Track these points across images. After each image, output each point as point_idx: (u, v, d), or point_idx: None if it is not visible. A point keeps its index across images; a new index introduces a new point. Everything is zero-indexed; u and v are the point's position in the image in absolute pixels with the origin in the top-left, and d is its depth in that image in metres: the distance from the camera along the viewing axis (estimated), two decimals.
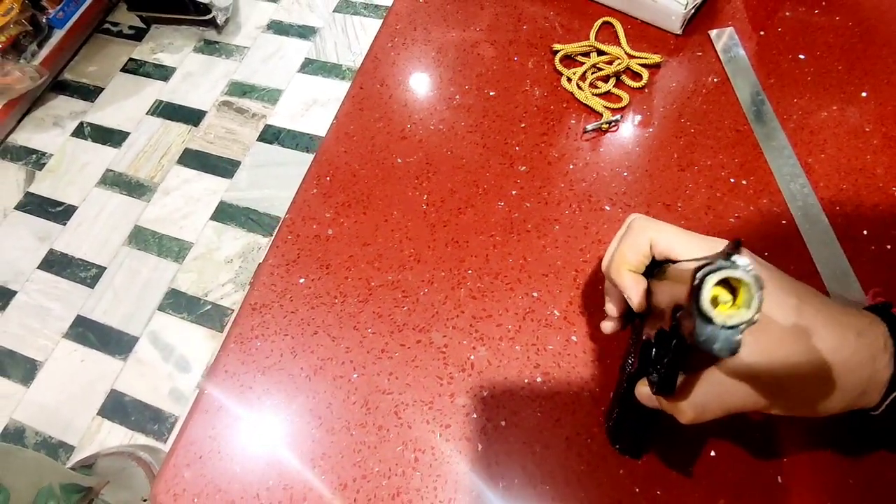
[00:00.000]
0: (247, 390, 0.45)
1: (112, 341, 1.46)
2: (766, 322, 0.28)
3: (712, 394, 0.30)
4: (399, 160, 0.53)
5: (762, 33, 0.56)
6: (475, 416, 0.42)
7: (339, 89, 1.79)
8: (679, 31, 0.56)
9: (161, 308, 1.50)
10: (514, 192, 0.51)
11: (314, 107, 1.77)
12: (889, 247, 0.45)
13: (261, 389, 0.45)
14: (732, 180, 0.49)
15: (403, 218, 0.51)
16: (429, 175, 0.52)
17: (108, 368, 1.42)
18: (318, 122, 1.74)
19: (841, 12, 0.56)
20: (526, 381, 0.43)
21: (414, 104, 0.56)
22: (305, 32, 1.92)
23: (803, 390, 0.29)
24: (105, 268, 1.57)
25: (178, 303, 1.50)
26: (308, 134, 1.72)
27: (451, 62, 0.58)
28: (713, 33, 0.57)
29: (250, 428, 0.44)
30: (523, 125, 0.54)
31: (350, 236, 0.50)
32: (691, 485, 0.39)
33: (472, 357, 0.44)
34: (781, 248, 0.46)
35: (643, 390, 0.33)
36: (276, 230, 0.51)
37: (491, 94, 0.56)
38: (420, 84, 0.58)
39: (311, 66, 1.85)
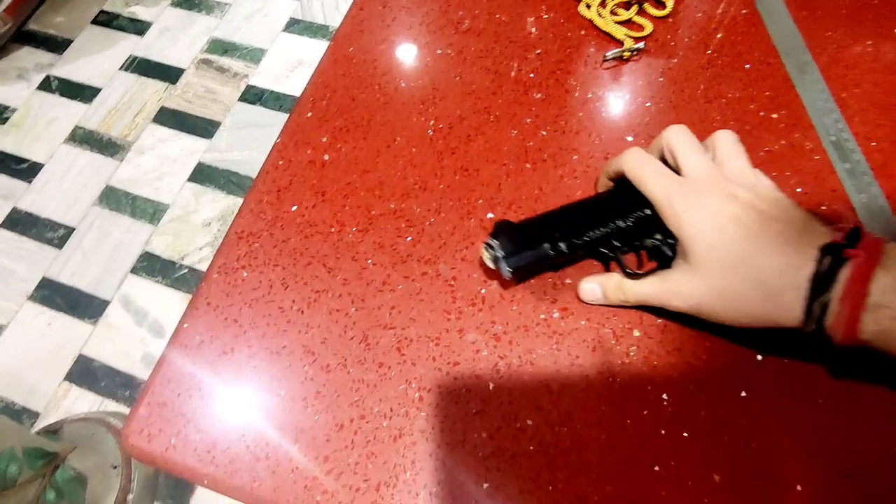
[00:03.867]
0: (231, 324, 0.40)
1: (81, 304, 1.39)
2: (708, 257, 0.33)
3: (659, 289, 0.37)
4: (403, 84, 0.49)
5: None
6: (486, 353, 0.38)
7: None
8: None
9: (134, 271, 1.43)
10: (528, 120, 0.47)
11: (299, 68, 1.69)
12: None
13: (247, 323, 0.40)
14: (762, 114, 0.46)
15: (407, 144, 0.46)
16: (435, 101, 0.48)
17: (77, 332, 1.35)
18: (304, 84, 1.67)
19: None
20: (542, 316, 0.39)
21: (419, 27, 0.52)
22: None
23: (720, 313, 0.34)
24: (74, 228, 1.49)
25: (152, 266, 1.43)
26: (292, 96, 1.65)
27: None
28: None
29: (235, 364, 0.39)
30: (538, 52, 0.50)
31: (348, 162, 0.46)
32: (720, 429, 0.36)
33: (483, 291, 0.40)
34: (814, 182, 0.43)
35: (586, 286, 0.39)
36: (266, 157, 0.46)
37: (503, 18, 0.51)
38: (427, 7, 0.53)
39: (296, 26, 1.77)
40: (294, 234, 0.43)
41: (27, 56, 1.78)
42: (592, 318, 0.39)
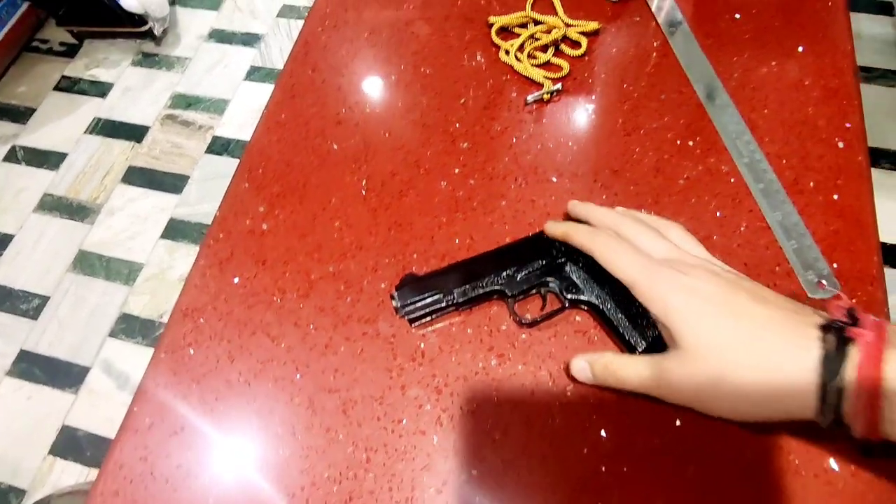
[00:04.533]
0: (180, 402, 0.41)
1: (60, 374, 1.37)
2: (701, 342, 0.31)
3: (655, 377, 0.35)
4: (335, 146, 0.50)
5: None
6: (429, 407, 0.39)
7: None
8: None
9: (113, 334, 1.42)
10: (457, 170, 0.48)
11: None
12: (836, 196, 0.44)
13: (196, 400, 0.41)
14: (679, 142, 0.48)
15: (342, 205, 0.47)
16: (367, 159, 0.49)
17: (58, 403, 1.34)
18: None
19: None
20: (480, 365, 0.40)
21: (348, 87, 0.54)
22: (249, 40, 1.86)
23: (722, 403, 0.33)
24: (48, 297, 1.48)
25: (130, 327, 1.42)
26: None
27: (385, 42, 0.56)
28: None
29: (185, 444, 0.40)
30: (463, 101, 0.52)
31: (286, 229, 0.47)
32: (658, 457, 0.37)
33: (422, 345, 0.41)
34: (731, 205, 0.45)
35: (577, 364, 0.39)
36: (207, 230, 0.47)
37: (428, 71, 0.54)
38: (353, 66, 0.55)
39: (257, 74, 1.80)
40: (237, 306, 0.44)
41: None
42: (528, 361, 0.40)
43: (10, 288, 1.50)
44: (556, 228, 0.41)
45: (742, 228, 0.44)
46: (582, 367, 0.38)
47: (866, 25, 1.71)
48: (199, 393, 0.41)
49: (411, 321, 0.41)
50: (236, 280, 0.45)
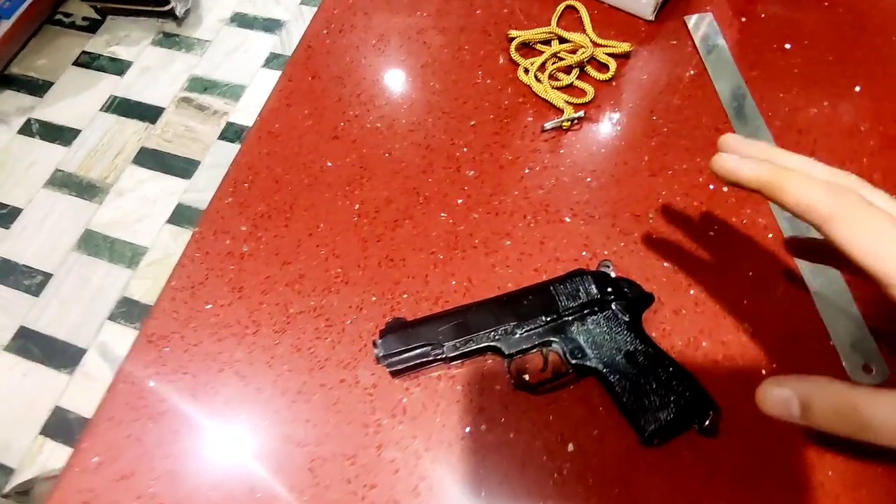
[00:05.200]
0: (134, 442, 0.37)
1: (57, 354, 1.36)
2: None
3: None
4: (329, 164, 0.46)
5: (744, 20, 0.50)
6: (406, 473, 0.35)
7: None
8: (651, 17, 0.50)
9: (112, 318, 1.40)
10: (459, 202, 0.44)
11: None
12: None
13: (151, 441, 0.37)
14: (712, 187, 0.43)
15: (331, 232, 0.43)
16: (362, 181, 0.45)
17: (53, 383, 1.32)
18: None
19: None
20: (468, 429, 0.36)
21: (349, 99, 0.49)
22: (271, 26, 1.83)
23: None
24: (52, 275, 1.47)
25: (130, 312, 1.40)
26: None
27: (393, 51, 0.51)
28: (689, 20, 0.50)
29: (134, 491, 0.36)
30: (472, 123, 0.47)
31: (268, 253, 0.43)
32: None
33: (404, 400, 0.37)
34: (767, 265, 0.39)
35: (775, 392, 0.26)
36: (184, 247, 0.44)
37: (437, 87, 0.49)
38: (357, 76, 0.50)
39: (276, 61, 1.76)
40: (207, 337, 0.40)
41: (8, 99, 1.77)
42: (522, 429, 0.36)
43: (14, 262, 1.49)
44: (749, 167, 0.27)
45: (778, 293, 0.38)
46: (782, 399, 0.26)
47: None
48: (155, 433, 0.37)
49: (394, 374, 0.37)
50: (209, 307, 0.41)
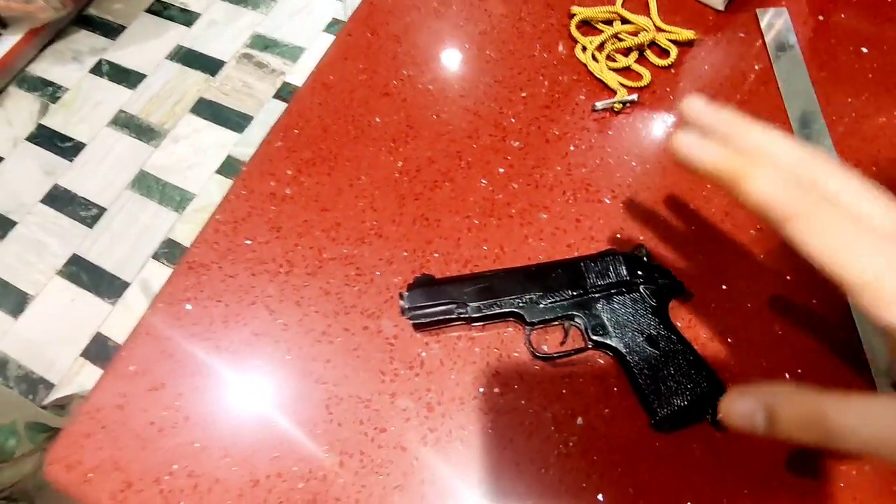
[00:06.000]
0: (167, 358, 0.39)
1: (104, 284, 1.44)
2: None
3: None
4: (377, 119, 0.47)
5: (821, 18, 0.48)
6: (416, 423, 0.36)
7: None
8: (721, 7, 0.48)
9: (156, 257, 1.47)
10: (501, 170, 0.44)
11: None
12: None
13: (182, 359, 0.39)
14: None
15: (371, 185, 0.44)
16: (407, 140, 0.46)
17: (97, 310, 1.40)
18: None
19: None
20: (481, 389, 0.37)
21: (404, 58, 0.50)
22: None
23: None
24: (105, 209, 1.54)
25: (172, 253, 1.47)
26: None
27: (453, 15, 0.51)
28: (763, 13, 0.48)
29: (163, 402, 0.38)
30: (524, 95, 0.47)
31: (308, 198, 0.44)
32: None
33: (423, 354, 0.38)
34: (807, 270, 0.38)
35: (738, 404, 0.25)
36: (230, 186, 0.45)
37: (492, 55, 0.49)
38: (414, 36, 0.50)
39: (337, 27, 1.77)
40: (242, 271, 0.42)
41: (83, 39, 1.85)
42: (534, 399, 0.36)
43: (74, 193, 1.57)
44: (711, 153, 0.25)
45: (813, 301, 0.37)
46: (747, 410, 0.24)
47: None
48: (186, 353, 0.40)
49: (416, 326, 0.38)
50: (248, 242, 0.43)
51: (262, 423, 0.37)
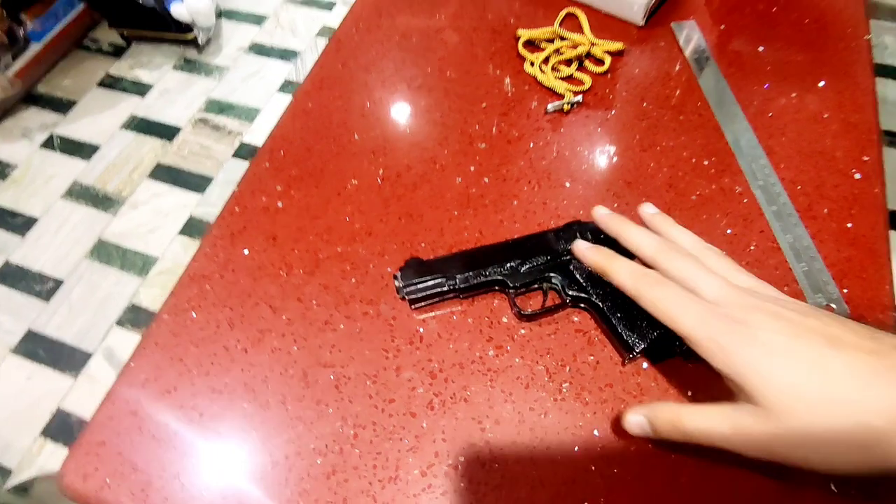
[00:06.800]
0: (177, 363, 0.41)
1: (63, 357, 1.38)
2: (784, 401, 0.28)
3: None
4: (356, 136, 0.52)
5: (723, 27, 0.57)
6: (422, 390, 0.39)
7: None
8: (642, 23, 0.57)
9: (120, 323, 1.43)
10: (472, 168, 0.49)
11: None
12: (850, 225, 0.44)
13: (192, 362, 0.41)
14: (694, 160, 0.48)
15: (356, 192, 0.48)
16: (385, 151, 0.51)
17: (57, 386, 1.34)
18: None
19: (798, 10, 0.57)
20: (478, 354, 0.40)
21: (374, 84, 0.55)
22: (287, 55, 1.93)
23: (812, 457, 0.29)
24: (62, 281, 1.50)
25: (138, 318, 1.43)
26: None
27: (414, 47, 0.58)
28: (676, 25, 0.57)
29: (176, 403, 0.40)
30: (484, 105, 0.53)
31: (300, 209, 0.48)
32: (650, 464, 0.36)
33: (421, 330, 0.41)
34: (743, 224, 0.45)
35: (632, 419, 0.35)
36: (224, 203, 0.49)
37: (452, 76, 0.55)
38: (382, 65, 0.57)
39: (290, 87, 1.85)
40: (244, 277, 0.45)
41: (33, 116, 1.85)
42: (526, 356, 0.40)
43: (27, 269, 1.53)
44: (593, 255, 0.38)
45: (752, 248, 0.44)
46: (638, 422, 0.34)
47: (892, 91, 1.72)
48: (196, 355, 0.41)
49: (412, 302, 0.41)
50: (246, 251, 0.46)
51: (276, 409, 0.39)
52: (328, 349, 0.41)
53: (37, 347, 1.40)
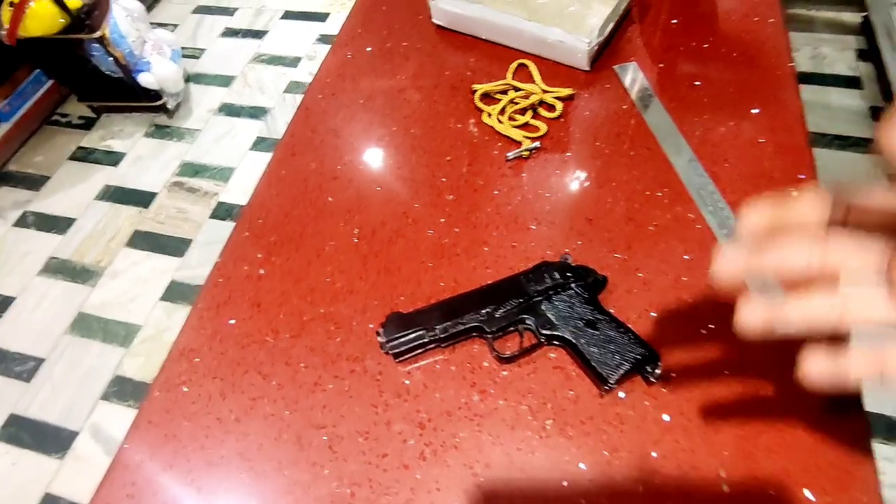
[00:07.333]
0: (171, 439, 0.42)
1: (48, 439, 1.35)
2: None
3: None
4: (330, 198, 0.54)
5: (662, 65, 0.61)
6: (413, 441, 0.40)
7: None
8: (587, 68, 0.61)
9: (105, 397, 1.40)
10: (442, 220, 0.52)
11: None
12: None
13: (186, 437, 0.42)
14: (648, 192, 0.52)
15: (335, 252, 0.51)
16: (360, 210, 0.53)
17: (43, 470, 1.30)
18: None
19: (727, 45, 0.62)
20: (463, 400, 0.42)
21: (344, 147, 0.58)
22: (257, 113, 1.97)
23: None
24: (43, 360, 1.48)
25: (123, 390, 1.41)
26: None
27: (378, 108, 0.61)
28: (618, 68, 0.62)
29: (173, 480, 0.40)
30: (448, 158, 0.56)
31: (282, 273, 0.50)
32: (637, 491, 0.37)
33: (407, 382, 0.43)
34: (699, 249, 0.48)
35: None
36: (208, 276, 0.50)
37: (417, 133, 0.59)
38: (349, 128, 0.60)
39: (263, 144, 1.89)
40: (232, 346, 0.46)
41: (5, 195, 1.85)
42: (509, 397, 0.42)
43: (5, 350, 1.50)
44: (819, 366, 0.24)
45: (708, 269, 0.46)
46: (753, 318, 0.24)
47: (837, 98, 1.82)
48: (189, 430, 0.42)
49: (396, 356, 0.43)
50: (232, 321, 0.47)
51: (273, 476, 0.40)
52: (319, 410, 0.42)
53: (20, 432, 1.37)
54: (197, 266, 1.62)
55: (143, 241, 1.69)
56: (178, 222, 1.72)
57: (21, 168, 1.91)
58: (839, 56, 1.87)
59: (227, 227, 1.69)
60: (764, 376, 0.40)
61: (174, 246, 1.67)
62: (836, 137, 1.68)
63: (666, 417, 0.40)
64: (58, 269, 1.65)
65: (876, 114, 1.72)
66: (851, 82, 1.84)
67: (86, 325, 1.53)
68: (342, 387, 0.43)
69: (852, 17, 1.92)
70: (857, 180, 0.26)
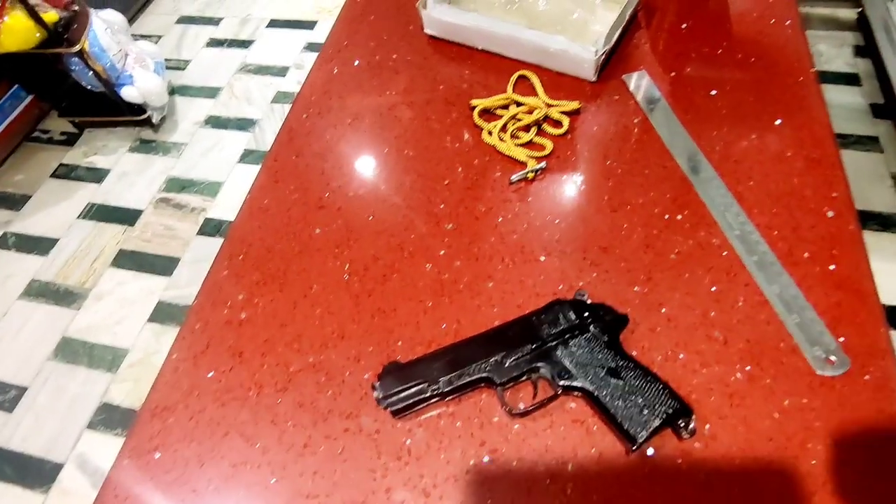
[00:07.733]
0: None
1: (31, 472, 1.29)
2: None
3: None
4: (317, 231, 0.49)
5: (673, 74, 0.57)
6: None
7: None
8: (594, 78, 0.57)
9: (91, 426, 1.35)
10: (442, 252, 0.47)
11: None
12: (833, 267, 0.43)
13: None
14: (667, 216, 0.47)
15: (324, 291, 0.46)
16: (349, 243, 0.48)
17: None
18: None
19: (742, 50, 0.58)
20: (472, 462, 0.37)
21: (331, 172, 0.53)
22: (244, 124, 1.92)
23: None
24: (26, 388, 1.42)
25: (111, 418, 1.35)
26: None
27: (367, 127, 0.56)
28: (628, 78, 0.57)
29: None
30: (446, 182, 0.51)
31: (265, 317, 0.45)
32: None
33: (408, 441, 0.38)
34: (727, 279, 0.43)
35: None
36: (183, 320, 0.45)
37: (411, 153, 0.54)
38: (337, 151, 0.55)
39: (251, 157, 1.83)
40: (210, 403, 0.41)
41: None
42: (524, 457, 0.37)
43: None
44: None
45: (740, 303, 0.42)
46: None
47: (836, 96, 1.79)
48: None
49: (395, 413, 0.38)
50: (211, 374, 0.42)
51: None
52: (310, 477, 0.37)
53: (2, 464, 1.31)
54: (185, 285, 1.57)
55: (129, 260, 1.63)
56: (165, 240, 1.67)
57: (1, 187, 1.84)
58: (836, 53, 1.84)
59: (216, 243, 1.62)
60: (813, 425, 0.36)
61: (161, 265, 1.61)
62: (836, 136, 1.65)
63: (702, 478, 0.35)
64: (40, 291, 1.59)
65: (877, 111, 1.69)
66: (850, 79, 1.81)
67: (70, 350, 1.47)
68: (335, 449, 0.38)
69: (848, 13, 1.89)
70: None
